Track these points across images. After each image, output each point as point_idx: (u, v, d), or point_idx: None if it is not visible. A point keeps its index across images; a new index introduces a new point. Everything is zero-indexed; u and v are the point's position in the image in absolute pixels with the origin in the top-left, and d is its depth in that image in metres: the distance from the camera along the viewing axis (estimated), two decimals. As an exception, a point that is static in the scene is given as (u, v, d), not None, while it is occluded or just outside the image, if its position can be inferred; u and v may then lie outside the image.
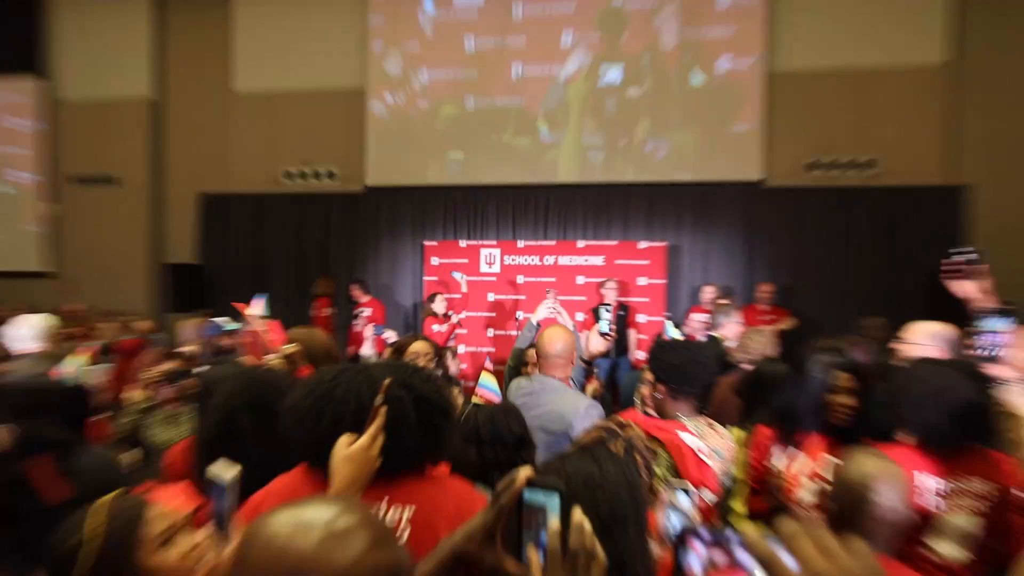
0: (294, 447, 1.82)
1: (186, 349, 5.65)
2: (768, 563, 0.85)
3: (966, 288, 2.85)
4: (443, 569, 1.36)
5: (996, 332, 2.43)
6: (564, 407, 3.24)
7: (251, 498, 1.82)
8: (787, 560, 0.83)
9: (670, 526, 1.87)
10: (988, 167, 8.93)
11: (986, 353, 2.43)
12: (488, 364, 3.96)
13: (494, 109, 10.22)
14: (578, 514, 1.23)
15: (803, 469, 3.06)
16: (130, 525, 1.53)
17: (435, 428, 1.78)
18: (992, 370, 2.43)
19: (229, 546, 1.48)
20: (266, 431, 2.15)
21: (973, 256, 2.82)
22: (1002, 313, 2.47)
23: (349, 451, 1.59)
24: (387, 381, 1.71)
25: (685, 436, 2.80)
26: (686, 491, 1.93)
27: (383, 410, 1.66)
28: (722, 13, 9.60)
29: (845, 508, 1.89)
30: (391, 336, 5.93)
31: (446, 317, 8.54)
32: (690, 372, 2.93)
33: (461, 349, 9.31)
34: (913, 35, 9.20)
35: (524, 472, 1.32)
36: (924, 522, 2.66)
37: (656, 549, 1.90)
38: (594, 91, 9.95)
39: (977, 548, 2.63)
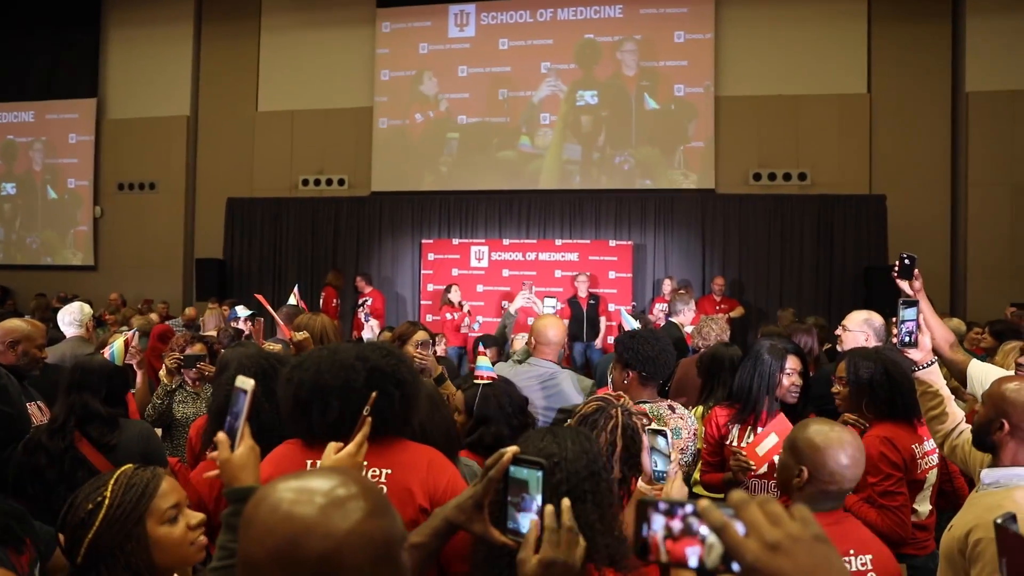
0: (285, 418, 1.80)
1: (208, 334, 5.41)
2: (720, 530, 0.77)
3: (912, 286, 2.72)
4: (435, 537, 1.32)
5: (909, 320, 2.36)
6: (569, 390, 3.20)
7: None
8: (738, 527, 0.76)
9: (654, 467, 1.83)
10: (896, 180, 9.03)
11: (905, 339, 2.34)
12: (481, 348, 3.79)
13: (483, 126, 10.08)
14: (566, 501, 1.17)
15: (761, 444, 2.87)
16: (143, 495, 1.42)
17: (387, 395, 1.68)
18: (911, 354, 2.36)
19: (239, 448, 1.37)
20: (268, 400, 2.09)
21: (915, 259, 2.73)
22: (910, 304, 2.39)
23: (336, 457, 1.47)
24: (374, 395, 1.60)
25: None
26: (663, 434, 1.84)
27: (368, 420, 1.52)
28: (678, 46, 9.60)
29: (812, 470, 1.77)
30: (375, 324, 5.72)
31: (460, 306, 8.37)
32: (662, 361, 2.84)
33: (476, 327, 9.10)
34: (840, 67, 9.28)
35: (511, 449, 1.26)
36: (916, 487, 2.63)
37: (646, 488, 1.83)
38: (571, 111, 9.84)
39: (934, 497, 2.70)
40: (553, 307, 4.08)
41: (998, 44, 8.71)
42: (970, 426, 2.30)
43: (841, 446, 1.76)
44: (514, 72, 9.98)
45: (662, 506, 0.82)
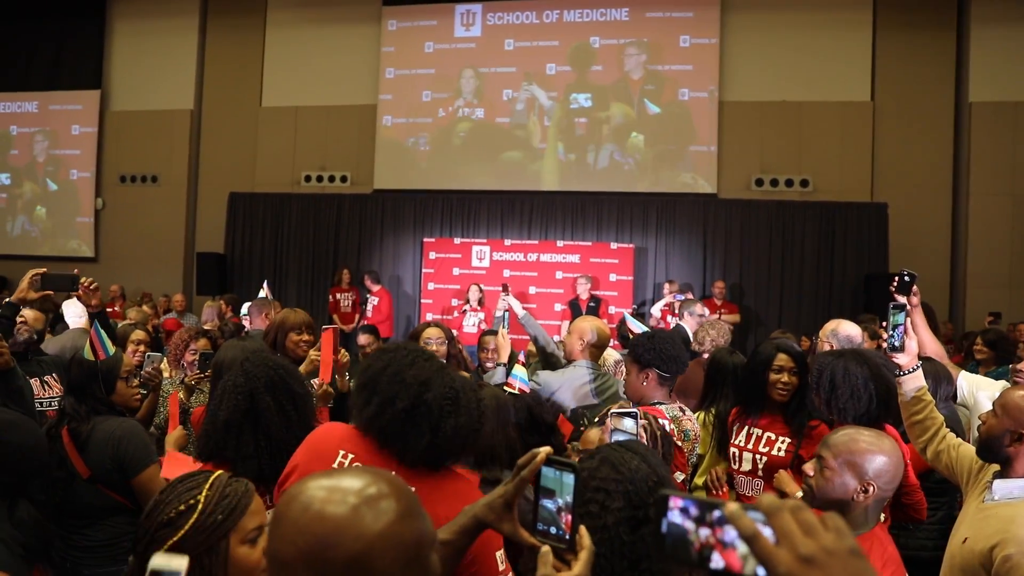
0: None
1: (207, 327, 5.38)
2: (751, 539, 0.72)
3: (910, 302, 2.74)
4: (463, 535, 1.29)
5: (899, 325, 2.37)
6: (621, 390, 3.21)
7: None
8: (768, 535, 0.72)
9: None
10: (898, 188, 9.04)
11: (894, 343, 2.35)
12: (521, 357, 3.71)
13: (487, 126, 10.05)
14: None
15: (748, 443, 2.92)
16: (236, 508, 1.31)
17: (418, 433, 1.61)
18: (898, 358, 2.35)
19: None
20: (280, 413, 1.98)
21: (915, 277, 2.79)
22: (900, 308, 2.40)
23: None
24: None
25: (663, 423, 2.63)
26: (632, 415, 1.78)
27: None
28: (683, 50, 9.60)
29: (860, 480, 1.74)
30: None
31: (464, 304, 8.33)
32: (682, 361, 2.84)
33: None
34: (844, 75, 9.29)
35: (545, 450, 1.22)
36: None
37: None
38: (575, 113, 9.83)
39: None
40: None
41: (1002, 55, 8.73)
42: (950, 430, 2.30)
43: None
44: (519, 73, 9.96)
45: (692, 510, 0.78)
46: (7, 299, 3.02)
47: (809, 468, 1.84)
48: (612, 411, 1.82)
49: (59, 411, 2.53)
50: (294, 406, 1.97)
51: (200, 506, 1.29)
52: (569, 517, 1.14)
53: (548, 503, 1.17)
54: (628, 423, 1.77)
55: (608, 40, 9.80)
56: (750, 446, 2.82)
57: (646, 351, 2.83)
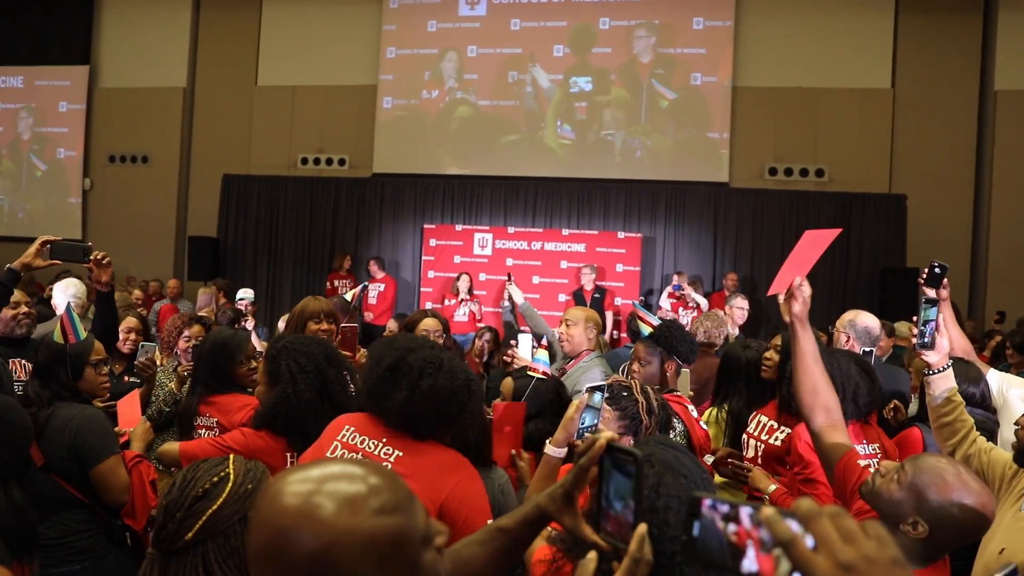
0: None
1: (203, 313, 5.30)
2: (788, 544, 0.71)
3: (939, 294, 2.67)
4: (524, 524, 1.23)
5: (931, 321, 2.30)
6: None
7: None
8: (806, 540, 0.71)
9: (583, 424, 1.80)
10: (918, 179, 8.92)
11: (925, 340, 2.28)
12: (544, 342, 3.72)
13: (491, 109, 9.93)
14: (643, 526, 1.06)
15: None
16: (261, 480, 1.36)
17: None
18: (928, 356, 2.28)
19: None
20: (343, 381, 2.27)
21: (946, 269, 2.74)
22: (932, 303, 2.34)
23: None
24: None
25: (690, 407, 2.81)
26: (601, 389, 1.82)
27: None
28: (696, 33, 9.45)
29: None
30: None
31: (457, 294, 8.19)
32: (697, 350, 3.02)
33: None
34: (864, 61, 9.14)
35: (606, 435, 1.13)
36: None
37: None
38: (581, 97, 9.68)
39: None
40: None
41: (1030, 42, 8.57)
42: (979, 433, 2.23)
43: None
44: (525, 54, 9.81)
45: (723, 510, 0.77)
46: (8, 265, 2.93)
47: (883, 467, 1.71)
48: (587, 386, 1.83)
49: (23, 395, 2.46)
50: (349, 374, 2.28)
51: (232, 476, 1.34)
52: (630, 514, 1.05)
53: (613, 497, 1.09)
54: (596, 398, 1.80)
55: (617, 21, 9.63)
56: (756, 433, 2.90)
57: (678, 342, 2.94)
